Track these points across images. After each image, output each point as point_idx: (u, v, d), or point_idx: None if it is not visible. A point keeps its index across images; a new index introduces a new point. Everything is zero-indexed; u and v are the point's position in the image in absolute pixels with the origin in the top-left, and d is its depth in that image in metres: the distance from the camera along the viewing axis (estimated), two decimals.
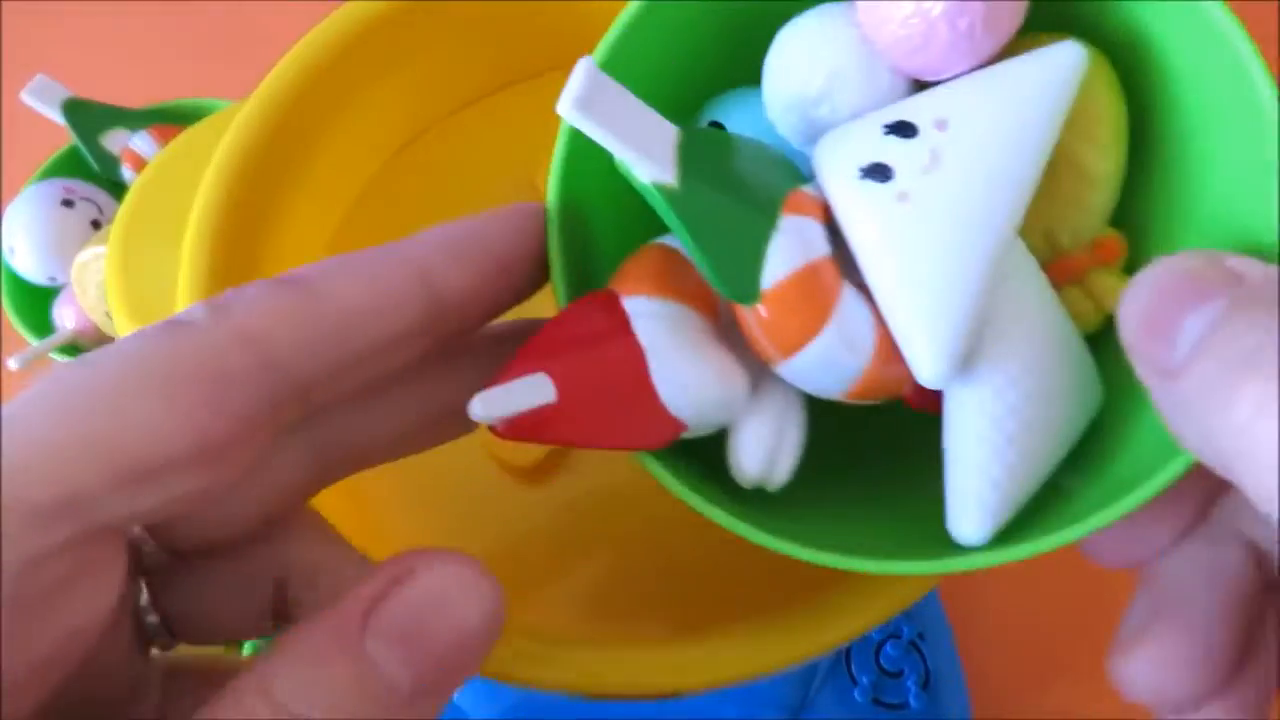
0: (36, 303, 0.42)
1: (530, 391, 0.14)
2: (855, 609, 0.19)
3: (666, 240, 0.16)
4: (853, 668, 0.34)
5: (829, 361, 0.14)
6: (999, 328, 0.15)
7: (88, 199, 0.42)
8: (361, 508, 0.23)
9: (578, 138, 0.16)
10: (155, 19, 0.56)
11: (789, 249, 0.14)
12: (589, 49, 0.16)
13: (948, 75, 0.16)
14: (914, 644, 0.34)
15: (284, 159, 0.25)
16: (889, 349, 0.14)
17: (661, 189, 0.14)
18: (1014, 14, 0.15)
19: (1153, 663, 0.15)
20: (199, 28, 0.56)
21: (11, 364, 0.37)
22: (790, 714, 0.32)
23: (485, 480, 0.24)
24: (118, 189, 0.43)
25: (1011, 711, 0.37)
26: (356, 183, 0.27)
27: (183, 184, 0.24)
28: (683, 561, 0.23)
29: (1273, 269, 0.13)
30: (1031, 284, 0.15)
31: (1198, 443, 0.12)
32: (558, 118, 0.14)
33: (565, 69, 0.14)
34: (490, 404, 0.13)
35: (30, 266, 0.40)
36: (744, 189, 0.14)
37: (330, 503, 0.22)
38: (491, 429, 0.14)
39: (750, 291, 0.14)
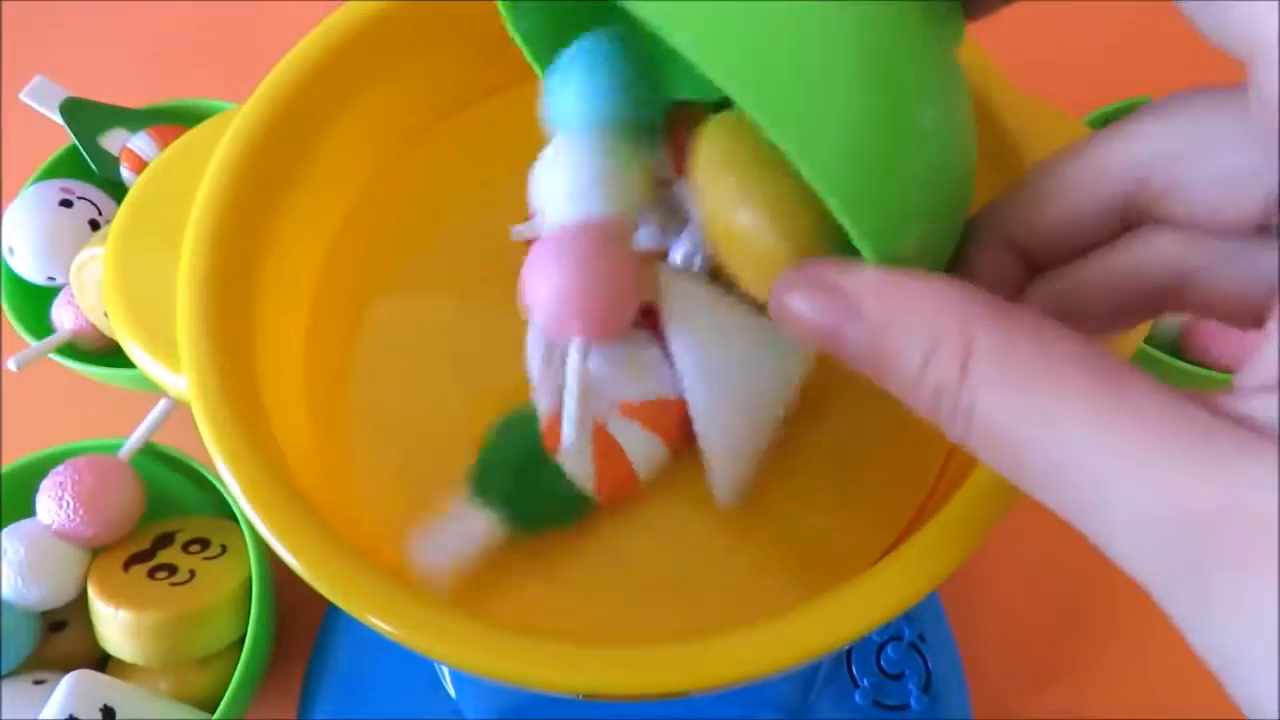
0: (35, 303, 0.42)
1: None
2: (856, 611, 0.19)
3: None
4: (854, 669, 0.34)
5: None
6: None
7: (86, 199, 0.41)
8: (360, 506, 0.23)
9: None
10: (155, 19, 0.56)
11: None
12: None
13: None
14: (915, 646, 0.34)
15: (284, 159, 0.25)
16: None
17: None
18: None
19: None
20: (199, 28, 0.56)
21: (11, 364, 0.37)
22: (791, 715, 0.32)
23: None
24: (117, 189, 0.43)
25: (1011, 711, 0.37)
26: (356, 183, 0.27)
27: (182, 184, 0.24)
28: (684, 561, 0.23)
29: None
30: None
31: None
32: None
33: None
34: None
35: (29, 267, 0.40)
36: None
37: (332, 506, 0.22)
38: None
39: None
